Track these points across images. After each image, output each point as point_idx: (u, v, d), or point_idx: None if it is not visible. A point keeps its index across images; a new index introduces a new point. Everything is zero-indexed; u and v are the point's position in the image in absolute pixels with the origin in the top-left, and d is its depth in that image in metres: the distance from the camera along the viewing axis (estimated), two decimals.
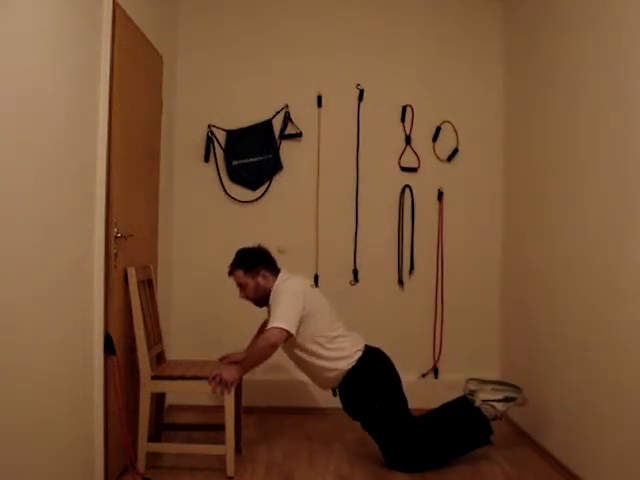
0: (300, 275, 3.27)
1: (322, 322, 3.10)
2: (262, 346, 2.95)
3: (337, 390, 3.21)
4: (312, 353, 3.09)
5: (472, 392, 3.22)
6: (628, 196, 2.56)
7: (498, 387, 3.24)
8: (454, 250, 4.12)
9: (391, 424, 3.07)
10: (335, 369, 3.11)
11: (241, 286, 3.18)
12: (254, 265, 3.15)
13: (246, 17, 4.10)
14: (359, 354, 3.13)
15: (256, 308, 3.27)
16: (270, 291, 3.12)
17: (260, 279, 3.14)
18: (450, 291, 4.11)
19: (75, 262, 2.44)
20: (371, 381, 3.11)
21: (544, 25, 3.47)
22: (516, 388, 3.30)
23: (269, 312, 3.14)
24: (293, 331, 2.96)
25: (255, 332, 3.39)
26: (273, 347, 2.95)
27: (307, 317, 3.04)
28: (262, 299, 3.17)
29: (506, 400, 3.19)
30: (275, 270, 3.19)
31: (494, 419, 3.17)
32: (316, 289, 3.28)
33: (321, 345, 3.08)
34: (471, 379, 3.31)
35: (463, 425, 3.14)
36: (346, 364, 3.10)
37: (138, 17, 3.07)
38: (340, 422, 3.68)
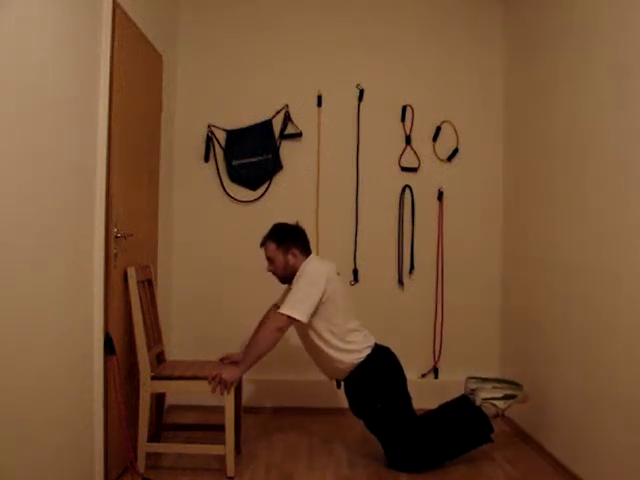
0: (330, 261, 3.26)
1: (339, 311, 3.09)
2: (266, 333, 2.94)
3: (342, 382, 3.21)
4: (323, 340, 3.08)
5: (473, 391, 3.23)
6: (630, 195, 2.56)
7: (498, 385, 3.26)
8: (454, 250, 4.11)
9: (394, 424, 3.07)
10: (342, 361, 3.10)
11: (270, 259, 3.16)
12: (287, 241, 3.13)
13: (246, 17, 4.10)
14: (368, 351, 3.13)
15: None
16: (296, 271, 3.12)
17: (290, 257, 3.13)
18: (450, 291, 4.11)
19: (75, 262, 2.44)
20: (376, 380, 3.11)
21: (545, 25, 3.47)
22: (517, 385, 3.31)
23: (288, 291, 3.13)
24: (305, 320, 2.95)
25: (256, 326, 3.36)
26: (279, 331, 2.94)
27: (326, 302, 3.03)
28: (287, 277, 3.17)
29: (506, 398, 3.20)
30: (307, 251, 3.18)
31: (495, 417, 3.19)
32: (340, 278, 3.25)
33: (333, 334, 3.07)
34: (471, 378, 3.33)
35: (464, 424, 3.14)
36: (354, 358, 3.10)
37: (138, 17, 3.07)
38: (340, 422, 3.69)
